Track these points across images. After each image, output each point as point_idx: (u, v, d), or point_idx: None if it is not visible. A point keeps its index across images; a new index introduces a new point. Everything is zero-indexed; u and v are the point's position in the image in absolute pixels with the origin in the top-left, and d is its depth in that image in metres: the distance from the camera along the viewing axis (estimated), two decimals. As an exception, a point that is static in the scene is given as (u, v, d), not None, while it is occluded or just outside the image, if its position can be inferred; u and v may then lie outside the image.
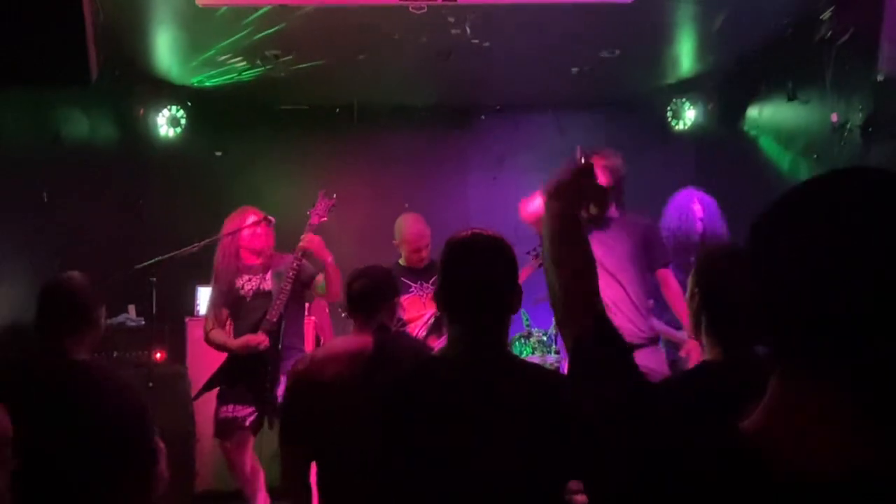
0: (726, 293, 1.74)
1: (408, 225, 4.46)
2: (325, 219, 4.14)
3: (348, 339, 2.59)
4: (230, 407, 4.05)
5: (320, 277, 4.17)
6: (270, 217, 4.29)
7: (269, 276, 4.24)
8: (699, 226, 4.23)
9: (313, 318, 5.15)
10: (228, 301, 4.21)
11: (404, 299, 4.20)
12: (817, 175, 0.78)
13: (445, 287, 1.79)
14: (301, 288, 4.20)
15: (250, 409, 4.05)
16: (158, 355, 5.04)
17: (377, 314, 2.58)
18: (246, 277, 4.23)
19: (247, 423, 4.05)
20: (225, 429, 4.05)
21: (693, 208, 4.29)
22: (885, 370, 0.66)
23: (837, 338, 0.68)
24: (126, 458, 2.26)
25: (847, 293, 0.67)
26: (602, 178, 3.60)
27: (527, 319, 5.02)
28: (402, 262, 4.49)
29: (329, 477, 2.46)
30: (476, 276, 1.75)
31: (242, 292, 4.20)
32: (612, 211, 3.76)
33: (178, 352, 4.98)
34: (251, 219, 4.29)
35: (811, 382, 0.71)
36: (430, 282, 4.31)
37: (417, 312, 4.26)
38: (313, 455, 2.49)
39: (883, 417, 0.66)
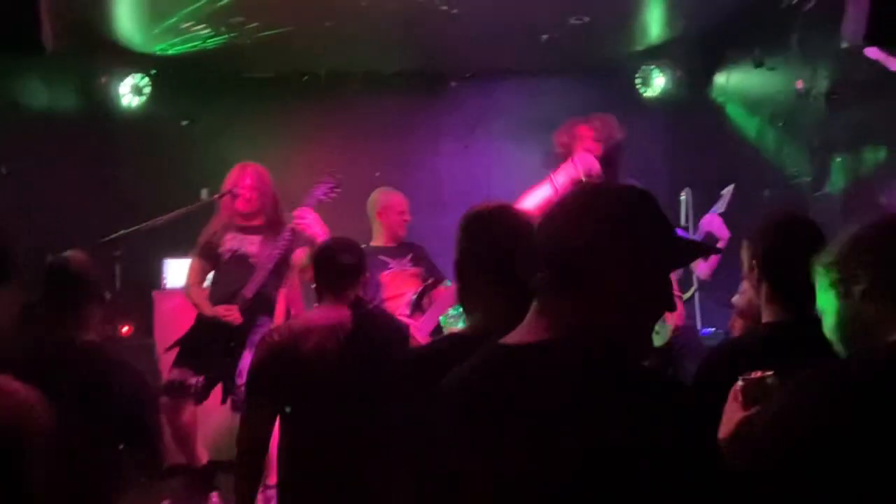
0: (787, 260, 1.82)
1: (387, 193, 4.35)
2: (324, 199, 4.03)
3: (325, 312, 2.58)
4: (181, 371, 3.95)
5: (301, 253, 4.02)
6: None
7: (256, 239, 4.09)
8: None
9: (284, 288, 5.12)
10: (207, 256, 4.12)
11: (383, 276, 4.10)
12: None
13: (476, 258, 1.74)
14: (283, 263, 4.09)
15: (200, 378, 3.96)
16: (125, 329, 5.01)
17: (352, 287, 2.57)
18: (231, 235, 4.11)
19: (191, 391, 3.96)
20: (171, 390, 3.94)
21: None
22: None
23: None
24: (134, 437, 2.30)
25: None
26: (593, 150, 3.53)
27: None
28: (374, 241, 4.29)
29: (297, 447, 2.48)
30: (510, 247, 1.68)
31: (221, 250, 4.09)
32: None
33: (145, 325, 4.95)
34: (247, 178, 4.11)
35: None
36: (408, 258, 4.23)
37: (398, 290, 4.10)
38: (273, 425, 2.50)
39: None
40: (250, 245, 4.09)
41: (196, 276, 4.13)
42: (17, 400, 1.43)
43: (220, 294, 4.04)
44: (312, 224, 3.93)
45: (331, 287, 2.56)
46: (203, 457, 4.17)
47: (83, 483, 2.19)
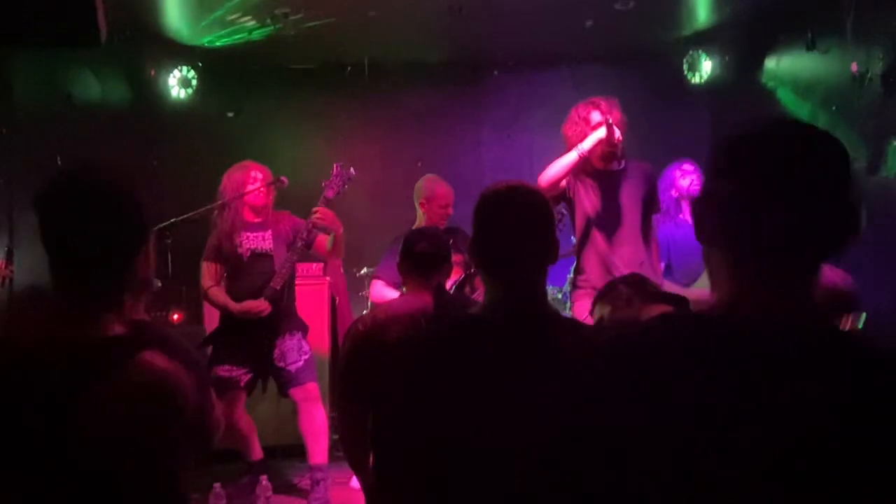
0: None
1: (434, 183, 4.42)
2: (340, 192, 4.09)
3: (408, 300, 2.61)
4: (226, 367, 4.07)
5: (324, 238, 4.17)
6: (283, 178, 4.27)
7: (268, 235, 4.21)
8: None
9: (328, 278, 5.18)
10: (225, 257, 4.20)
11: None
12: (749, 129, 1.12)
13: (481, 240, 1.74)
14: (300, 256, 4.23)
15: (245, 370, 4.10)
16: (176, 316, 5.10)
17: (436, 276, 2.60)
18: (245, 235, 4.19)
19: (242, 384, 4.10)
20: (220, 387, 4.04)
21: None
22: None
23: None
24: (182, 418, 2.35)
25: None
26: (620, 133, 3.55)
27: None
28: (416, 226, 4.33)
29: (387, 437, 2.48)
30: (514, 227, 1.71)
31: (240, 250, 4.17)
32: (618, 162, 3.69)
33: (194, 313, 5.03)
34: (255, 174, 4.26)
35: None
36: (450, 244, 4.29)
37: None
38: (367, 413, 2.51)
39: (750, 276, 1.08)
40: (264, 241, 4.20)
41: (214, 278, 4.21)
42: (175, 381, 1.40)
43: (245, 291, 4.12)
44: (332, 221, 4.02)
45: (415, 274, 2.59)
46: (259, 452, 4.29)
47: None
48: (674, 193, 4.42)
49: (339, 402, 2.57)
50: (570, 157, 3.53)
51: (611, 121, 3.49)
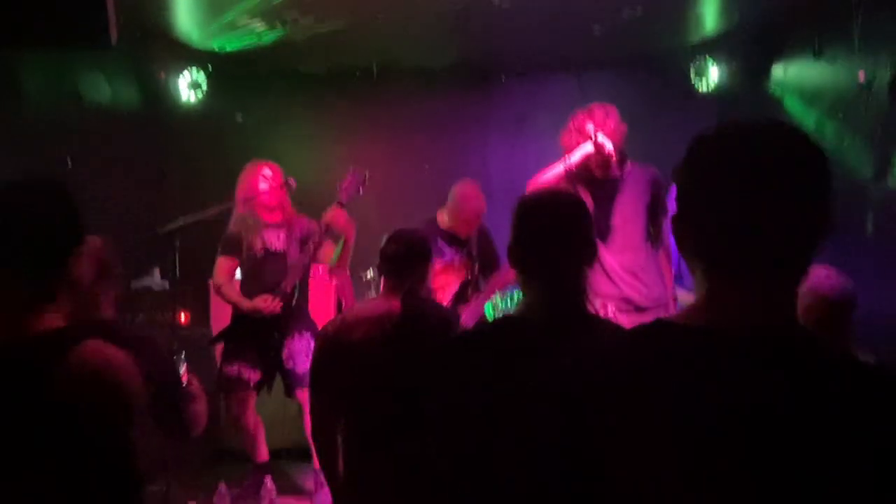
0: None
1: (469, 197, 4.21)
2: (354, 196, 4.07)
3: (377, 302, 2.62)
4: (235, 366, 4.12)
5: (330, 248, 4.17)
6: (291, 180, 4.29)
7: (283, 234, 4.24)
8: None
9: (335, 280, 5.19)
10: (239, 253, 4.22)
11: (436, 261, 4.03)
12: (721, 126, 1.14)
13: (521, 244, 1.77)
14: (313, 258, 4.23)
15: (254, 369, 4.13)
16: (183, 318, 5.13)
17: (408, 278, 2.60)
18: (259, 233, 4.22)
19: (251, 384, 4.14)
20: (229, 386, 4.13)
21: None
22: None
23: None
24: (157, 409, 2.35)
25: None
26: (611, 143, 3.55)
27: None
28: (444, 224, 4.28)
29: (354, 435, 2.52)
30: (554, 231, 1.75)
31: (255, 248, 4.20)
32: (616, 170, 3.69)
33: (201, 315, 5.05)
34: (265, 171, 4.27)
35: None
36: (465, 252, 4.27)
37: (444, 281, 4.15)
38: (341, 413, 2.54)
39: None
40: (277, 241, 4.23)
41: (228, 274, 4.24)
42: (118, 364, 1.49)
43: (256, 289, 4.14)
44: (346, 224, 4.01)
45: (388, 277, 2.60)
46: (265, 453, 4.31)
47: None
48: None
49: (310, 402, 2.61)
50: (557, 170, 3.58)
51: (594, 137, 3.51)
